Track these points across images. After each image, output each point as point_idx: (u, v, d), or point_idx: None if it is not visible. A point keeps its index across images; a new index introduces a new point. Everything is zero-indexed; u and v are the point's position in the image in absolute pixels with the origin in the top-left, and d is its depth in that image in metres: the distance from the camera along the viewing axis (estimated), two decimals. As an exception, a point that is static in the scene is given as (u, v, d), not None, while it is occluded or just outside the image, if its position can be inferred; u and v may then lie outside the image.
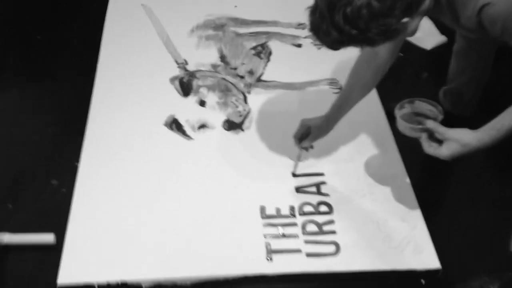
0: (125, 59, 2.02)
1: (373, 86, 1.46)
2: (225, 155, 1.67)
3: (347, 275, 1.36)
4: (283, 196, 1.54)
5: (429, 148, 1.21)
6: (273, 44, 2.09)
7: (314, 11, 1.09)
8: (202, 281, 1.35)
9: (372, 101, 1.79)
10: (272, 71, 1.97)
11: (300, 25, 2.17)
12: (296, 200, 1.53)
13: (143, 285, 1.34)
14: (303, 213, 1.49)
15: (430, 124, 1.23)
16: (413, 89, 1.51)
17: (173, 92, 1.89)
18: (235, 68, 1.97)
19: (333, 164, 1.63)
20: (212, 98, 1.86)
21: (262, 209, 1.50)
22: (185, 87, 1.90)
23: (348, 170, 1.61)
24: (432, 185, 1.65)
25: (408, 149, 1.67)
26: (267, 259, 1.38)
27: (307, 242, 1.42)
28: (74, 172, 1.60)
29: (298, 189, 1.56)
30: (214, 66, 1.98)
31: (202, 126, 1.76)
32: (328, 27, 1.05)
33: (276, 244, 1.41)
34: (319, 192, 1.55)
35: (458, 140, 1.15)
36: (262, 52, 2.05)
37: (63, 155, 1.69)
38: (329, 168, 1.61)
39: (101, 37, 2.11)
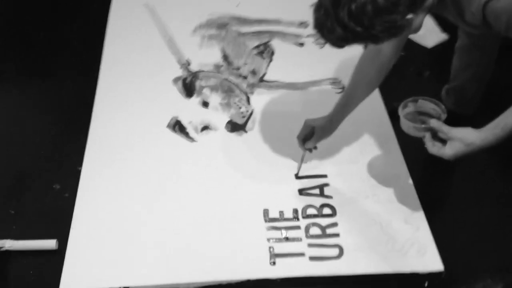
0: (128, 59, 2.02)
1: (377, 84, 1.45)
2: (228, 157, 1.67)
3: (350, 278, 1.37)
4: (286, 198, 1.54)
5: (433, 147, 1.21)
6: (275, 43, 2.08)
7: (318, 8, 1.08)
8: (205, 285, 1.36)
9: (374, 101, 1.78)
10: (274, 71, 1.96)
11: (302, 24, 2.15)
12: (299, 202, 1.53)
13: (147, 292, 1.35)
14: (306, 216, 1.49)
15: (433, 123, 1.22)
16: (415, 88, 1.50)
17: (176, 93, 1.89)
18: (238, 68, 1.97)
19: (336, 165, 1.63)
20: (215, 99, 1.86)
21: (265, 212, 1.50)
22: (188, 88, 1.90)
23: (351, 171, 1.61)
24: (435, 185, 1.65)
25: (411, 149, 1.67)
26: (271, 263, 1.39)
27: (310, 245, 1.43)
28: (77, 175, 1.60)
29: (301, 192, 1.56)
30: (217, 66, 1.98)
31: (205, 127, 1.76)
32: (333, 24, 1.05)
33: (279, 247, 1.42)
34: (322, 194, 1.55)
35: (461, 140, 1.14)
36: (265, 51, 2.04)
37: (66, 158, 1.70)
38: (332, 170, 1.61)
39: (103, 37, 2.11)
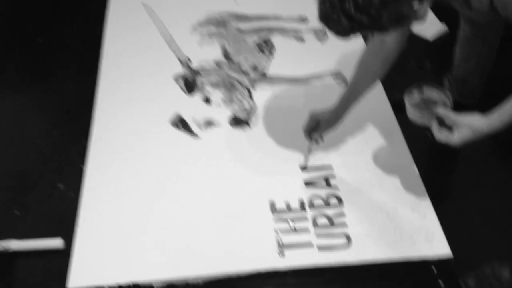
0: (128, 58, 2.02)
1: (381, 76, 1.46)
2: (233, 152, 1.67)
3: (359, 267, 1.37)
4: (293, 190, 1.54)
5: (440, 135, 1.21)
6: (276, 39, 2.09)
7: (323, 0, 1.08)
8: (214, 278, 1.36)
9: (377, 93, 1.79)
10: (276, 66, 1.97)
11: (301, 19, 2.16)
12: (306, 194, 1.53)
13: (155, 286, 1.35)
14: (313, 207, 1.50)
15: (440, 110, 1.22)
16: (417, 80, 1.52)
17: (178, 91, 1.89)
18: (239, 64, 1.97)
19: (341, 156, 1.63)
20: (217, 95, 1.86)
21: (272, 204, 1.50)
22: (190, 85, 1.91)
23: (356, 162, 1.61)
24: (440, 173, 1.65)
25: (415, 139, 1.68)
26: (279, 254, 1.39)
27: (318, 235, 1.43)
28: (80, 174, 1.60)
29: (307, 183, 1.56)
30: (218, 63, 1.98)
31: (209, 123, 1.76)
32: (339, 15, 1.05)
33: (287, 238, 1.42)
34: (328, 185, 1.55)
35: (469, 126, 1.15)
36: (265, 47, 2.05)
37: (69, 157, 1.69)
38: (338, 161, 1.62)
39: (102, 36, 2.12)
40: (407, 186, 1.54)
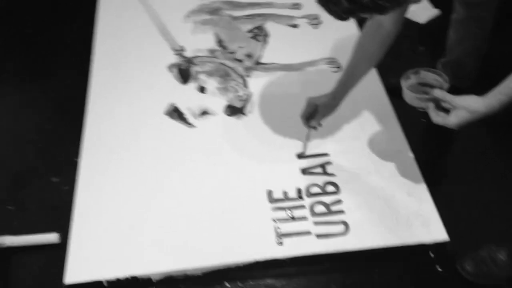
0: (121, 49, 2.01)
1: (378, 59, 1.44)
2: (229, 141, 1.67)
3: (357, 254, 1.38)
4: (290, 179, 1.55)
5: (437, 117, 1.20)
6: (270, 26, 2.07)
7: None
8: (213, 269, 1.36)
9: (371, 78, 1.79)
10: (270, 53, 1.96)
11: (295, 5, 2.15)
12: (303, 182, 1.54)
13: (153, 279, 1.35)
14: (310, 195, 1.50)
15: (437, 93, 1.22)
16: (411, 64, 1.51)
17: (172, 80, 1.88)
18: (233, 52, 1.96)
19: (337, 143, 1.63)
20: (211, 84, 1.86)
21: (269, 193, 1.51)
22: (184, 74, 1.89)
23: (352, 148, 1.62)
24: (435, 158, 1.67)
25: (410, 124, 1.68)
26: (278, 243, 1.40)
27: (316, 223, 1.44)
28: (75, 168, 1.59)
29: (304, 171, 1.56)
30: (212, 51, 1.97)
31: (204, 113, 1.76)
32: None
33: (285, 227, 1.43)
34: (325, 173, 1.56)
35: (466, 107, 1.14)
36: (259, 35, 2.03)
37: (62, 151, 1.68)
38: (334, 148, 1.62)
39: (94, 27, 2.09)
40: (403, 172, 1.55)
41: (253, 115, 1.74)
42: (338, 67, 1.87)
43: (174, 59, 1.95)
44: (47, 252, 1.43)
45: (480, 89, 1.18)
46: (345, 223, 1.43)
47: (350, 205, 1.48)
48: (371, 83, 1.79)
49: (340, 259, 1.38)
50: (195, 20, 2.11)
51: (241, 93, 1.81)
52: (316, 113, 1.51)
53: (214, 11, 2.15)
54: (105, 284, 1.34)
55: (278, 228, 1.43)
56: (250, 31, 2.05)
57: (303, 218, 1.45)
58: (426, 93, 1.29)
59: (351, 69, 1.47)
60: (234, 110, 1.76)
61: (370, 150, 1.61)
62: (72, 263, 1.36)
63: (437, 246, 1.40)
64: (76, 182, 1.55)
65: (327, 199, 1.49)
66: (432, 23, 2.12)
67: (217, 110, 1.77)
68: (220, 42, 2.01)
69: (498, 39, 1.76)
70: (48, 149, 1.71)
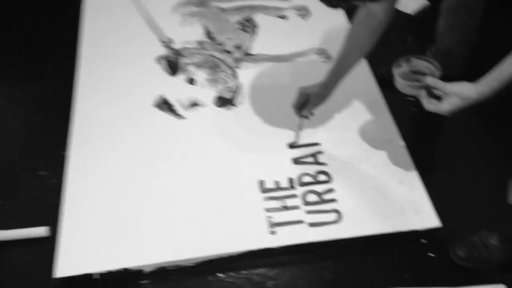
0: (109, 42, 1.98)
1: (370, 48, 1.44)
2: (219, 132, 1.66)
3: (350, 242, 1.38)
4: (281, 168, 1.54)
5: (429, 105, 1.21)
6: (258, 17, 2.06)
7: None
8: (205, 260, 1.35)
9: (361, 68, 1.78)
10: (259, 45, 1.95)
11: (283, -4, 2.15)
12: (294, 171, 1.53)
13: (145, 270, 1.34)
14: (302, 184, 1.50)
15: (429, 80, 1.22)
16: (400, 54, 1.52)
17: (161, 72, 1.86)
18: (222, 44, 1.95)
19: (328, 133, 1.63)
20: (201, 75, 1.84)
21: (261, 184, 1.50)
22: (173, 66, 1.88)
23: (343, 137, 1.61)
24: (426, 146, 1.67)
25: (400, 113, 1.68)
26: (270, 233, 1.39)
27: (308, 212, 1.43)
28: (63, 161, 1.57)
29: (296, 161, 1.56)
30: (200, 43, 1.96)
31: (194, 104, 1.74)
32: None
33: (278, 217, 1.42)
34: (316, 162, 1.55)
35: (458, 94, 1.14)
36: (248, 26, 2.02)
37: (50, 144, 1.66)
38: (325, 138, 1.62)
39: (80, 19, 2.07)
40: (394, 160, 1.55)
41: (244, 106, 1.73)
42: (328, 58, 1.86)
43: (162, 51, 1.93)
44: (36, 246, 1.41)
45: (470, 79, 1.18)
46: (337, 212, 1.43)
47: (342, 193, 1.47)
48: (362, 73, 1.79)
49: (333, 248, 1.38)
50: (183, 12, 2.10)
51: (230, 84, 1.80)
52: (308, 103, 1.51)
53: (201, 2, 2.13)
54: (97, 277, 1.32)
55: (271, 217, 1.42)
56: (239, 22, 2.04)
57: (296, 207, 1.45)
58: (418, 80, 1.29)
59: (343, 58, 1.46)
60: (224, 101, 1.75)
61: (361, 139, 1.61)
62: (62, 257, 1.34)
63: (429, 233, 1.40)
64: (64, 175, 1.53)
65: (319, 188, 1.49)
66: (421, 14, 2.13)
67: (207, 102, 1.75)
68: (208, 34, 1.99)
69: (488, 29, 1.77)
70: (35, 143, 1.69)
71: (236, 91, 1.78)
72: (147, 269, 1.34)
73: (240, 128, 1.67)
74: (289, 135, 1.62)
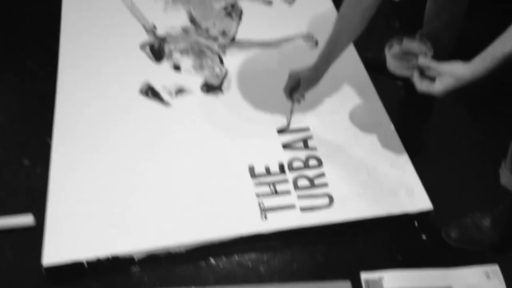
0: (91, 29, 1.93)
1: (360, 30, 1.43)
2: (207, 118, 1.63)
3: (342, 226, 1.37)
4: (271, 154, 1.52)
5: (422, 85, 1.19)
6: (243, 3, 2.03)
7: None
8: (197, 246, 1.33)
9: (349, 53, 1.77)
10: (245, 31, 1.92)
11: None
12: (285, 156, 1.51)
13: (136, 257, 1.31)
14: (293, 169, 1.48)
15: (421, 60, 1.21)
16: (387, 39, 1.52)
17: (145, 59, 1.82)
18: (207, 30, 1.91)
19: (317, 117, 1.62)
20: (186, 62, 1.81)
21: (251, 169, 1.48)
22: (157, 53, 1.84)
23: (333, 122, 1.60)
24: (416, 129, 1.67)
25: (389, 96, 1.68)
26: (262, 218, 1.37)
27: (300, 197, 1.42)
28: (47, 149, 1.53)
29: (286, 146, 1.54)
30: (185, 29, 1.92)
31: (180, 91, 1.71)
32: None
33: (269, 202, 1.40)
34: (306, 147, 1.54)
35: (451, 74, 1.13)
36: (233, 12, 1.99)
37: (33, 133, 1.62)
38: (314, 122, 1.60)
39: (61, 6, 2.01)
40: (385, 143, 1.54)
41: (231, 92, 1.71)
42: (316, 43, 1.85)
43: (146, 37, 1.89)
44: (22, 235, 1.37)
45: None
46: (329, 196, 1.42)
47: (333, 177, 1.46)
48: (350, 58, 1.78)
49: (326, 231, 1.36)
50: (165, -1, 2.06)
51: (217, 70, 1.77)
52: (298, 86, 1.49)
53: (185, -12, 2.09)
54: (85, 264, 1.28)
55: (262, 202, 1.40)
56: (224, 8, 2.01)
57: (287, 192, 1.43)
58: (410, 61, 1.28)
59: (334, 41, 1.45)
60: (210, 88, 1.72)
61: (351, 123, 1.60)
62: (49, 244, 1.30)
63: (421, 215, 1.40)
64: (49, 164, 1.49)
65: (310, 173, 1.47)
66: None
67: (194, 88, 1.72)
68: (192, 20, 1.96)
69: (477, 21, 1.77)
70: (18, 132, 1.64)
71: (223, 77, 1.75)
72: (138, 256, 1.31)
73: (227, 114, 1.64)
74: (278, 121, 1.60)
